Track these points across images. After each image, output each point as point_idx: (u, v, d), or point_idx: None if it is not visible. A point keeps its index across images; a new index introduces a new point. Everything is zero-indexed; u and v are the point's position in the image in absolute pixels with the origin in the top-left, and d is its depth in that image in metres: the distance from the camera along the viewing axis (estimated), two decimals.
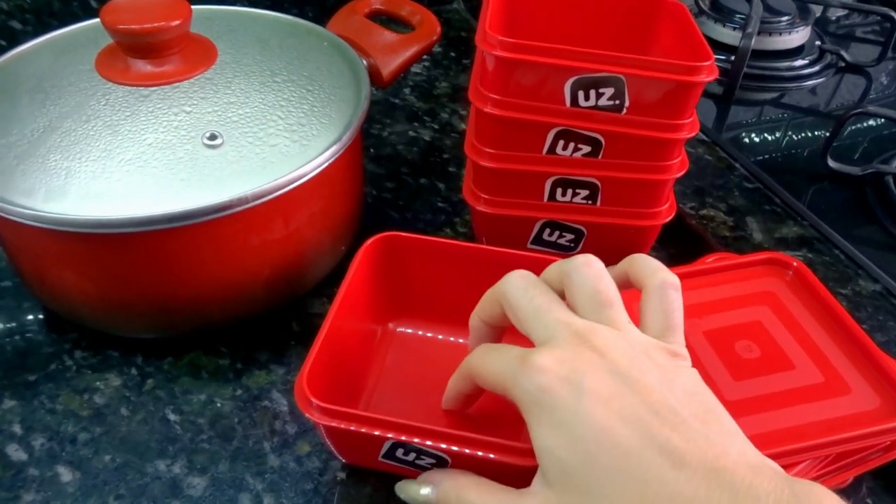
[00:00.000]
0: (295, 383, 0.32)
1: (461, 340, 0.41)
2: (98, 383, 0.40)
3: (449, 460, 0.32)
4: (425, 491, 0.32)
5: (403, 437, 0.31)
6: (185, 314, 0.39)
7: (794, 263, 0.41)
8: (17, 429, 0.37)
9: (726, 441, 0.26)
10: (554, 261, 0.33)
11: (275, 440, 0.38)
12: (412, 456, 0.32)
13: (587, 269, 0.30)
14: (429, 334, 0.42)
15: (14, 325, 0.43)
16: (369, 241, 0.39)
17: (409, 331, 0.42)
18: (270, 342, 0.42)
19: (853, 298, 0.45)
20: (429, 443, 0.31)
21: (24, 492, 0.35)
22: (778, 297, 0.40)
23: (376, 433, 0.31)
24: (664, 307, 0.30)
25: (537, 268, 0.39)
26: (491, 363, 0.30)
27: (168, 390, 0.40)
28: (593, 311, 0.29)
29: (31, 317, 0.43)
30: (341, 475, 0.36)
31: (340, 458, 0.36)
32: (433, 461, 0.32)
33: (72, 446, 0.37)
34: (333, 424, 0.31)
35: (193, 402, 0.39)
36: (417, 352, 0.41)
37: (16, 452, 0.36)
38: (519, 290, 0.31)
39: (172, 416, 0.38)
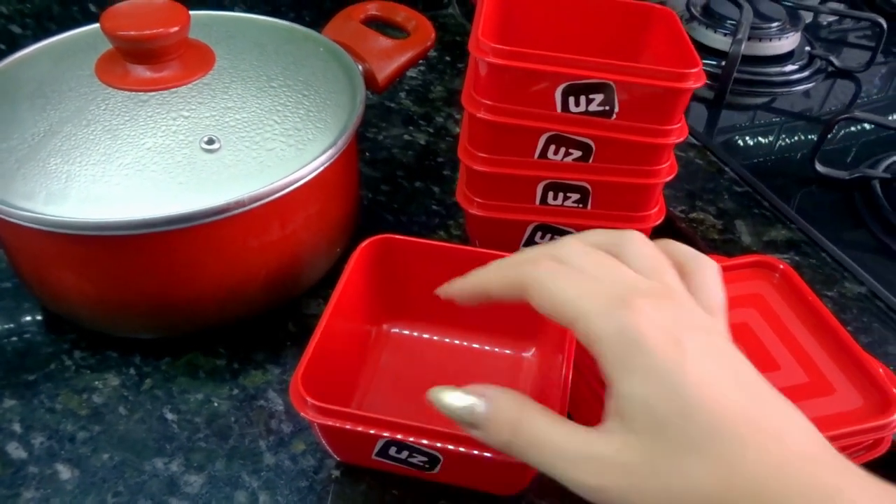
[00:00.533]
0: (290, 383, 0.33)
1: (455, 341, 0.42)
2: (97, 383, 0.40)
3: (441, 458, 0.33)
4: (469, 401, 0.27)
5: (397, 436, 0.32)
6: (183, 315, 0.40)
7: (781, 266, 0.42)
8: (17, 427, 0.38)
9: (808, 429, 0.25)
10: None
11: (271, 439, 0.38)
12: (405, 454, 0.33)
13: (641, 241, 0.29)
14: (423, 335, 0.42)
15: (14, 325, 0.43)
16: (364, 243, 0.40)
17: (403, 332, 0.43)
18: (267, 343, 0.43)
19: (839, 300, 0.46)
20: (423, 441, 0.31)
21: (24, 489, 0.35)
22: (765, 299, 0.41)
23: (370, 431, 0.32)
24: (710, 287, 0.29)
25: None
26: (570, 287, 0.27)
27: (166, 390, 0.40)
28: (658, 277, 0.28)
29: (30, 318, 0.44)
30: (336, 473, 0.37)
31: (335, 456, 0.37)
32: (425, 459, 0.33)
33: (71, 445, 0.37)
34: (328, 423, 0.32)
35: (191, 401, 0.40)
36: (411, 352, 0.42)
37: (16, 451, 0.37)
38: (580, 251, 0.28)
39: (170, 416, 0.39)
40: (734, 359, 0.26)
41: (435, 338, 0.43)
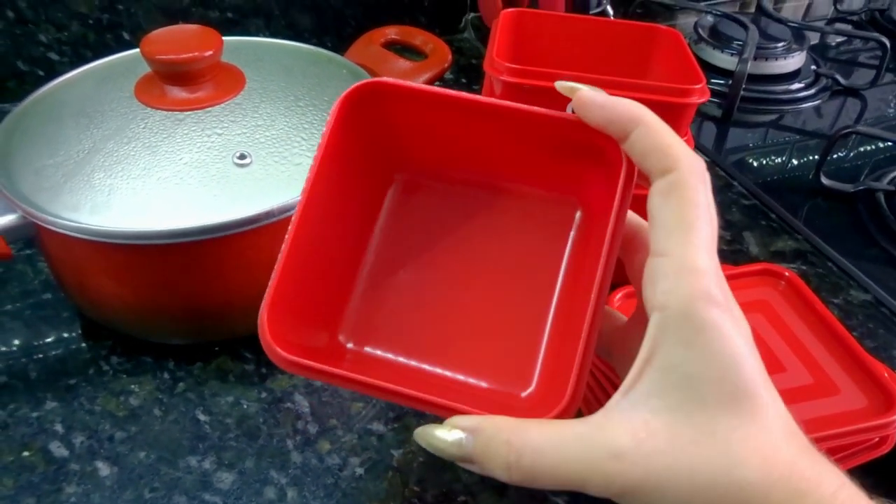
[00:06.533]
0: (258, 321, 0.27)
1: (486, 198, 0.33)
2: (133, 386, 0.43)
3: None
4: (455, 436, 0.25)
5: (387, 401, 0.27)
6: (216, 320, 0.42)
7: (787, 274, 0.43)
8: (59, 428, 0.40)
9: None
10: (576, 120, 0.27)
11: (297, 439, 0.40)
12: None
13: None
14: (441, 185, 0.33)
15: (55, 333, 0.46)
16: (345, 92, 0.29)
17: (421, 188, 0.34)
18: None
19: (845, 307, 0.47)
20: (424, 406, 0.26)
21: (66, 485, 0.38)
22: (771, 306, 0.42)
23: (354, 393, 0.28)
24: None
25: (557, 126, 0.29)
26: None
27: (198, 393, 0.42)
28: None
29: (70, 326, 0.46)
30: (360, 471, 0.39)
31: None
32: None
33: (109, 444, 0.40)
34: (306, 374, 0.27)
35: (221, 403, 0.42)
36: (430, 210, 0.33)
37: (58, 449, 0.39)
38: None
39: (202, 417, 0.41)
40: None
41: (456, 191, 0.33)
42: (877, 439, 0.37)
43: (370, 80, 0.30)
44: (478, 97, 0.30)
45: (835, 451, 0.36)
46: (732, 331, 0.23)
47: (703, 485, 0.22)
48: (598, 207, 0.30)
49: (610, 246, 0.27)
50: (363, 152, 0.31)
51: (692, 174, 0.24)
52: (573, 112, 0.27)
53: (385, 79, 0.30)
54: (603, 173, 0.29)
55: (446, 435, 0.25)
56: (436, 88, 0.30)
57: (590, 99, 0.26)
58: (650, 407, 0.23)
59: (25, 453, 0.39)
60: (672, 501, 0.22)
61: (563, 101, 0.34)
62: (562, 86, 0.27)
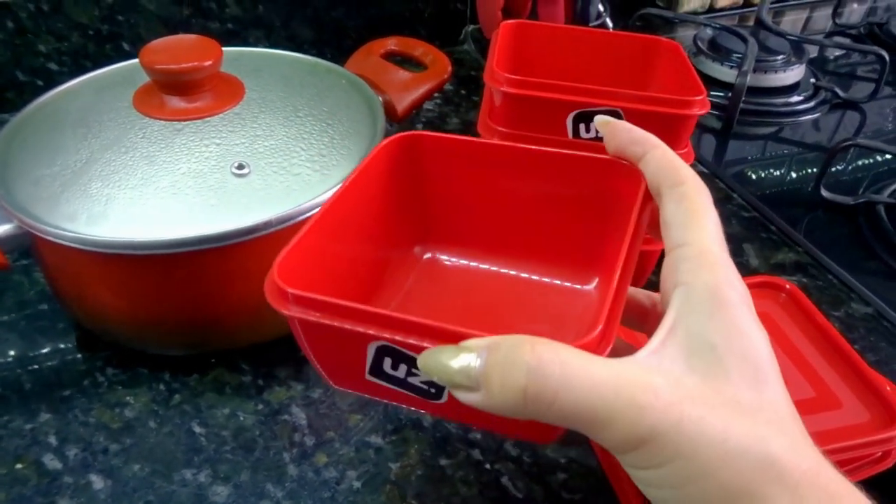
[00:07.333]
0: (266, 279, 0.26)
1: (503, 270, 0.35)
2: (128, 398, 0.42)
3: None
4: (464, 361, 0.21)
5: (383, 334, 0.23)
6: (212, 331, 0.42)
7: (787, 286, 0.43)
8: (52, 440, 0.40)
9: None
10: (598, 159, 0.32)
11: (294, 451, 0.40)
12: (403, 370, 0.25)
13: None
14: (462, 262, 0.35)
15: (50, 344, 0.45)
16: (385, 140, 0.31)
17: (438, 256, 0.35)
18: (290, 361, 0.44)
19: (846, 320, 0.47)
20: (412, 342, 0.23)
21: (59, 498, 0.37)
22: (772, 318, 0.42)
23: (349, 327, 0.24)
24: None
25: (598, 169, 0.33)
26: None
27: (194, 405, 0.42)
28: None
29: (65, 337, 0.46)
30: (357, 485, 0.38)
31: (328, 380, 0.28)
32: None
33: (103, 456, 0.39)
34: (304, 317, 0.25)
35: (217, 415, 0.41)
36: (446, 280, 0.34)
37: (51, 462, 0.39)
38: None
39: (198, 429, 0.41)
40: None
41: (477, 265, 0.35)
42: (879, 454, 0.37)
43: (410, 133, 0.32)
44: (516, 145, 0.33)
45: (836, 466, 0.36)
46: (753, 323, 0.24)
47: (735, 449, 0.21)
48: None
49: (639, 215, 0.29)
50: (392, 208, 0.33)
51: (698, 187, 0.27)
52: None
53: (424, 132, 0.32)
54: (619, 233, 0.29)
55: (455, 358, 0.22)
56: (471, 138, 0.33)
57: (618, 125, 0.31)
58: (677, 369, 0.22)
59: (18, 466, 0.38)
60: (704, 457, 0.21)
61: (561, 111, 0.39)
62: (599, 120, 0.32)
